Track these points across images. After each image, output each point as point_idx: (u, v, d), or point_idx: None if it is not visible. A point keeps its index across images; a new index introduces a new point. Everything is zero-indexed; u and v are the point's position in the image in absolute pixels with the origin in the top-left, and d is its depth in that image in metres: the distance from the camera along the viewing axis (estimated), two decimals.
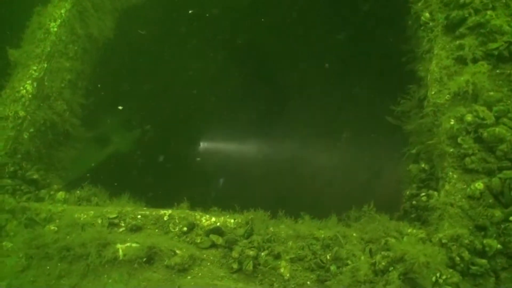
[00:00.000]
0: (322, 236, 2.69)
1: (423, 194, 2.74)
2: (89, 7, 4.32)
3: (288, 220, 2.95)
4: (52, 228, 2.87)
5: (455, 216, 2.44)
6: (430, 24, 3.21)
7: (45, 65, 3.86)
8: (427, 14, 3.26)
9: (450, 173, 2.59)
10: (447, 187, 2.56)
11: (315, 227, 2.87)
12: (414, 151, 3.15)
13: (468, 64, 2.77)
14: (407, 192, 3.02)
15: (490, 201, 2.37)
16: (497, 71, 2.73)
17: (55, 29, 4.02)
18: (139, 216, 2.97)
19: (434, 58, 3.02)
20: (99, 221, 2.92)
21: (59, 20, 4.07)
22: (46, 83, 3.86)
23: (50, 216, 3.02)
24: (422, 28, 3.32)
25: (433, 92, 2.89)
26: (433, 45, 3.10)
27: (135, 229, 2.87)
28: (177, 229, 2.89)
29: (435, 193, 2.67)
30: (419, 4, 3.47)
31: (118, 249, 2.63)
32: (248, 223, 2.83)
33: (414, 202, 2.84)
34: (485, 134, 2.48)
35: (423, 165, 2.95)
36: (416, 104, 3.41)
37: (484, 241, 2.24)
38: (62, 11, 4.12)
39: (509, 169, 2.38)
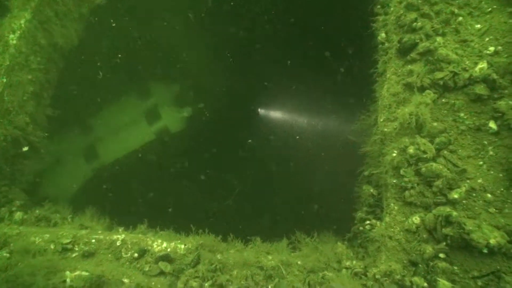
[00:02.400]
0: (268, 263, 2.75)
1: (367, 222, 2.79)
2: (52, 16, 4.24)
3: (238, 244, 3.01)
4: (5, 254, 2.92)
5: (392, 249, 2.50)
6: (386, 45, 3.18)
7: (4, 80, 3.82)
8: (383, 34, 3.23)
9: (392, 205, 2.63)
10: (387, 218, 2.60)
11: (264, 251, 2.94)
12: (366, 173, 3.18)
13: (415, 93, 2.76)
14: (358, 214, 3.07)
15: (425, 236, 2.42)
16: (443, 100, 2.72)
17: (14, 42, 3.96)
18: (93, 241, 3.02)
19: (386, 83, 3.01)
20: (52, 247, 2.97)
21: (19, 32, 4.00)
22: (5, 98, 3.84)
23: (5, 240, 3.07)
24: (378, 48, 3.30)
25: (381, 120, 2.90)
26: (387, 68, 3.08)
27: (88, 255, 2.93)
28: (128, 254, 2.95)
29: (378, 223, 2.72)
30: (380, 21, 3.42)
31: (66, 278, 2.69)
32: (198, 249, 2.89)
33: (361, 228, 2.89)
34: (423, 169, 2.50)
35: (371, 190, 2.99)
36: (374, 123, 3.42)
37: (412, 279, 2.31)
38: (22, 21, 4.04)
39: (443, 205, 2.41)
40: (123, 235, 3.05)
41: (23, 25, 4.03)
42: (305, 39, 5.53)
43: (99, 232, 3.14)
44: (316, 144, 5.89)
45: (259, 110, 6.25)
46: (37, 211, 3.45)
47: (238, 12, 5.74)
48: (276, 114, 6.27)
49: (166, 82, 5.91)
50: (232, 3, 5.75)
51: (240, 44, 5.83)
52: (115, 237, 3.03)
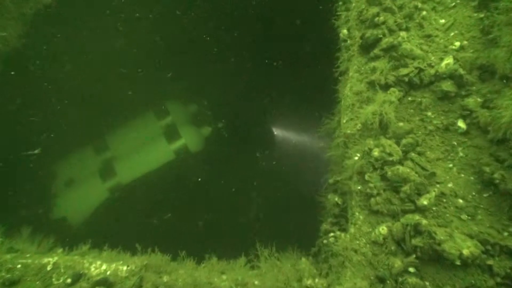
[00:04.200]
0: (221, 285, 2.42)
1: (331, 234, 2.52)
2: None
3: (190, 264, 2.67)
4: None
5: (357, 264, 2.23)
6: (348, 42, 2.97)
7: None
8: (345, 31, 3.02)
9: (357, 214, 2.37)
10: (352, 229, 2.34)
11: (218, 271, 2.61)
12: (331, 180, 2.93)
13: (378, 91, 2.55)
14: (323, 226, 2.80)
15: (393, 248, 2.17)
16: (409, 99, 2.52)
17: None
18: (18, 266, 2.59)
19: (349, 81, 2.78)
20: None
21: None
22: None
23: None
24: (341, 45, 3.09)
25: (344, 121, 2.66)
26: (349, 66, 2.87)
27: (9, 284, 2.50)
28: (61, 280, 2.54)
29: (342, 235, 2.45)
30: (342, 18, 3.23)
31: None
32: (141, 269, 2.53)
33: (325, 241, 2.61)
34: (389, 173, 2.27)
35: (336, 199, 2.73)
36: (337, 126, 3.19)
37: None
38: None
39: (412, 213, 2.18)
40: (55, 258, 2.64)
41: None
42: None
43: (28, 255, 2.71)
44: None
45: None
46: None
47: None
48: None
49: (183, 101, 5.70)
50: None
51: None
52: (46, 260, 2.62)
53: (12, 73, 4.31)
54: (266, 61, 5.66)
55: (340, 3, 3.25)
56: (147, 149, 5.31)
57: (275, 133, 6.19)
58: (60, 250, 3.00)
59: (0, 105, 4.37)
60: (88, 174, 5.27)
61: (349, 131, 2.58)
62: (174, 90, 5.74)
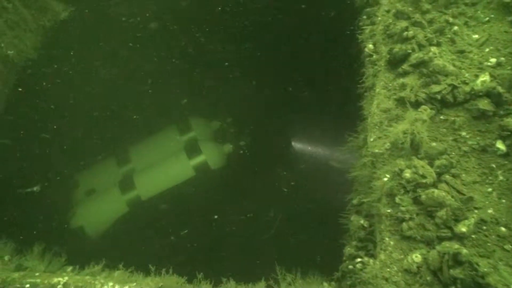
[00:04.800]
0: None
1: (358, 260, 2.36)
2: (1, 25, 3.79)
3: (206, 287, 2.52)
4: None
5: None
6: (374, 57, 2.86)
7: None
8: (370, 45, 2.92)
9: (387, 239, 2.22)
10: (382, 256, 2.18)
11: None
12: (355, 201, 2.79)
13: (409, 109, 2.41)
14: (347, 250, 2.64)
15: (428, 278, 2.01)
16: (441, 117, 2.38)
17: None
18: (27, 286, 2.47)
19: (376, 98, 2.66)
20: None
21: None
22: None
23: None
24: (366, 60, 2.98)
25: (371, 139, 2.52)
26: (376, 82, 2.75)
27: None
28: None
29: (371, 261, 2.29)
30: (366, 32, 3.13)
31: None
32: None
33: (350, 267, 2.46)
34: (423, 197, 2.12)
35: (362, 221, 2.58)
36: (363, 144, 3.06)
37: None
38: None
39: (449, 240, 2.02)
40: (65, 278, 2.52)
41: None
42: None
43: (37, 274, 2.60)
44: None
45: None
46: None
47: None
48: None
49: (206, 117, 5.70)
50: None
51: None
52: (55, 280, 2.49)
53: (20, 89, 4.28)
54: (289, 79, 5.60)
55: (365, 17, 3.16)
56: (168, 163, 5.28)
57: (298, 150, 6.09)
58: (69, 269, 2.88)
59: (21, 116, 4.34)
60: (109, 185, 5.26)
61: (377, 150, 2.45)
62: (197, 106, 5.73)
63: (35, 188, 4.59)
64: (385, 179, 2.29)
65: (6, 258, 2.97)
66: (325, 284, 2.53)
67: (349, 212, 2.92)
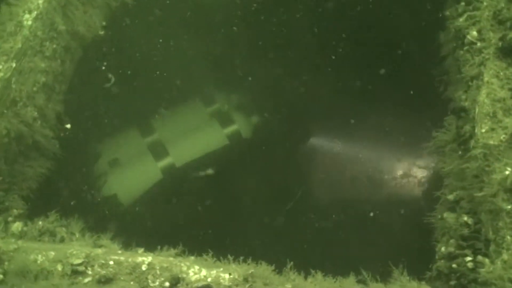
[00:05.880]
0: None
1: (468, 258, 2.19)
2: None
3: (296, 278, 2.38)
4: None
5: None
6: (478, 45, 2.68)
7: (13, 65, 3.24)
8: (474, 33, 2.73)
9: (508, 237, 2.04)
10: (505, 256, 2.00)
11: None
12: (451, 197, 2.61)
13: None
14: (443, 249, 2.47)
15: None
16: None
17: (30, 23, 3.41)
18: (111, 263, 2.37)
19: (484, 87, 2.48)
20: (59, 268, 2.32)
21: (35, 12, 3.46)
22: (13, 86, 3.25)
23: None
24: (466, 48, 2.80)
25: (483, 130, 2.34)
26: (483, 70, 2.57)
27: (105, 280, 2.28)
28: (157, 283, 2.30)
29: (486, 260, 2.12)
30: (461, 19, 2.95)
31: None
32: (247, 280, 2.26)
33: (454, 266, 2.28)
34: None
35: (465, 219, 2.40)
36: (453, 139, 2.88)
37: None
38: (40, 1, 3.51)
39: None
40: (149, 258, 2.41)
41: (40, 5, 3.50)
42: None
43: (119, 252, 2.50)
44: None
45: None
46: (40, 223, 2.80)
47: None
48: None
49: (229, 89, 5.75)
50: None
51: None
52: (140, 259, 2.38)
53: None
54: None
55: (463, 3, 2.97)
56: (200, 131, 5.36)
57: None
58: (141, 250, 2.77)
59: None
60: (137, 154, 5.27)
61: (491, 142, 2.27)
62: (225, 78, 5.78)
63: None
64: (507, 172, 2.11)
65: (77, 235, 2.89)
66: (423, 284, 2.36)
67: (440, 208, 2.76)
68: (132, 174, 5.14)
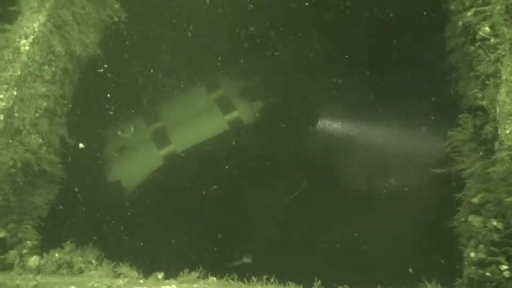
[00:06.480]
0: None
1: (504, 267, 2.12)
2: (69, 20, 3.63)
3: None
4: None
5: None
6: (492, 41, 2.60)
7: (15, 93, 3.16)
8: (486, 29, 2.65)
9: None
10: None
11: None
12: (475, 200, 2.54)
13: None
14: (472, 254, 2.41)
15: None
16: None
17: (27, 48, 3.32)
18: None
19: (503, 85, 2.40)
20: None
21: (32, 37, 3.36)
22: (16, 114, 3.16)
23: None
24: (478, 44, 2.72)
25: (507, 132, 2.27)
26: (500, 68, 2.49)
27: None
28: None
29: None
30: (469, 14, 2.87)
31: None
32: None
33: (488, 274, 2.22)
34: None
35: (494, 223, 2.33)
36: (470, 138, 2.81)
37: None
38: (35, 25, 3.42)
39: None
40: (173, 286, 2.34)
41: (36, 29, 3.40)
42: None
43: (141, 281, 2.43)
44: None
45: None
46: (56, 255, 2.72)
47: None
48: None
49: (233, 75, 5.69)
50: None
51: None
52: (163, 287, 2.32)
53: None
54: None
55: None
56: (201, 118, 5.33)
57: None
58: (161, 275, 2.71)
59: None
60: (142, 141, 5.28)
61: None
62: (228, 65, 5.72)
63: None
64: None
65: (94, 262, 2.82)
66: None
67: (462, 212, 2.70)
68: (134, 162, 5.18)
